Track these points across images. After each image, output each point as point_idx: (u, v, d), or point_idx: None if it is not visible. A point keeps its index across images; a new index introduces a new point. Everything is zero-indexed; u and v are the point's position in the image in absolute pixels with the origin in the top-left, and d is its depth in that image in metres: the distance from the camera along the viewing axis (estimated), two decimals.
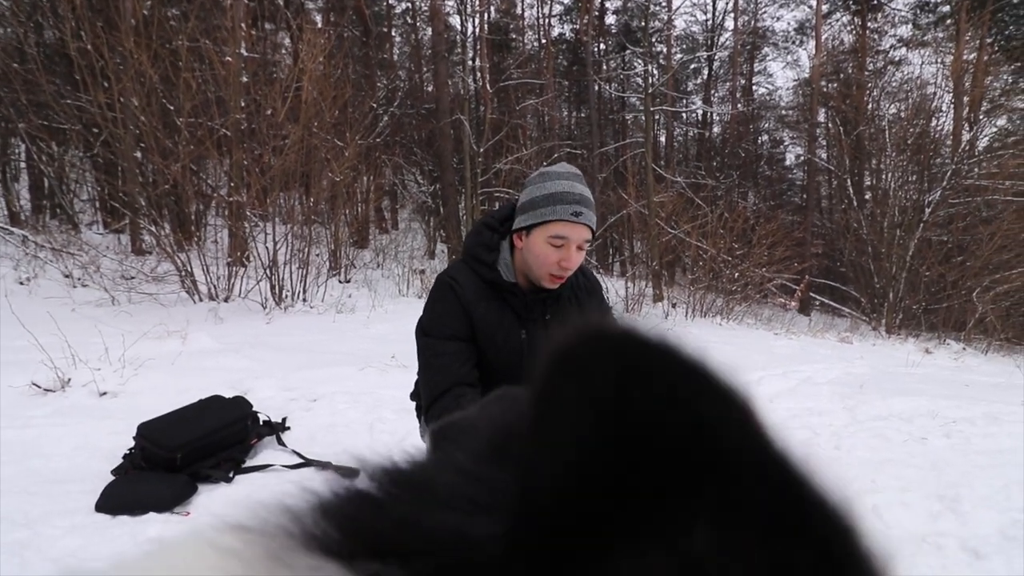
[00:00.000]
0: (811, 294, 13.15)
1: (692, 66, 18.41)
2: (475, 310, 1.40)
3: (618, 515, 0.15)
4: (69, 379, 2.72)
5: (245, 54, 6.93)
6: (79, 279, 5.97)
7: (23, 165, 10.44)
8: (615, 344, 0.18)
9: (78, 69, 5.86)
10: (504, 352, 1.43)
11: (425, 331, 1.42)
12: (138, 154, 6.22)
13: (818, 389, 4.21)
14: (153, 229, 5.94)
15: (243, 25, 6.96)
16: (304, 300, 6.07)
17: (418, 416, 1.66)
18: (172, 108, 5.89)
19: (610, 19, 18.11)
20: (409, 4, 17.18)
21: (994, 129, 12.99)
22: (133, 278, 6.09)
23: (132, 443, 2.07)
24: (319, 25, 11.47)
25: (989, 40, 14.25)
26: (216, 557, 0.18)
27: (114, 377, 2.79)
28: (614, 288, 9.02)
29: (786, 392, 4.03)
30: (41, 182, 10.09)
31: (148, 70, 5.42)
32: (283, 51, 12.61)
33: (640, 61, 14.42)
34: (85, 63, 5.72)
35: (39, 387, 2.67)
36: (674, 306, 9.24)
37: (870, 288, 11.25)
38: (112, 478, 1.95)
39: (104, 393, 2.69)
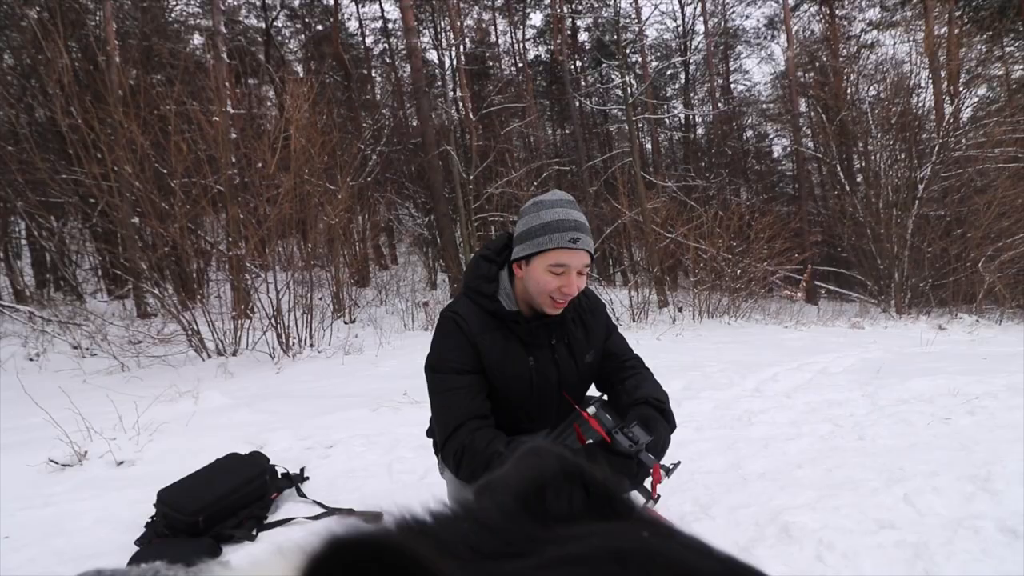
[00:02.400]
0: (816, 283, 13.09)
1: (669, 72, 18.71)
2: (481, 342, 1.41)
3: None
4: (86, 452, 2.71)
5: (232, 111, 7.09)
6: (87, 349, 6.01)
7: (24, 242, 10.62)
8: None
9: (70, 144, 6.00)
10: (514, 381, 1.44)
11: (434, 368, 1.43)
12: (136, 220, 6.31)
13: (835, 379, 4.17)
14: (156, 292, 5.99)
15: (227, 84, 7.14)
16: (311, 345, 6.08)
17: (435, 453, 1.65)
18: (165, 171, 6.00)
19: (583, 36, 18.52)
20: (386, 45, 17.61)
21: (976, 99, 13.10)
22: (141, 342, 6.12)
23: (153, 511, 2.06)
24: (300, 75, 11.74)
25: (958, 13, 14.47)
26: None
27: (130, 445, 2.79)
28: (618, 299, 9.01)
29: (803, 385, 3.99)
30: (43, 257, 10.24)
31: (138, 138, 5.54)
32: (269, 103, 12.89)
33: (617, 73, 14.67)
34: (77, 137, 5.85)
35: (56, 463, 2.66)
36: (680, 310, 9.21)
37: (874, 270, 11.20)
38: (136, 548, 1.94)
39: (121, 462, 2.68)
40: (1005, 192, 9.53)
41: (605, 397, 1.61)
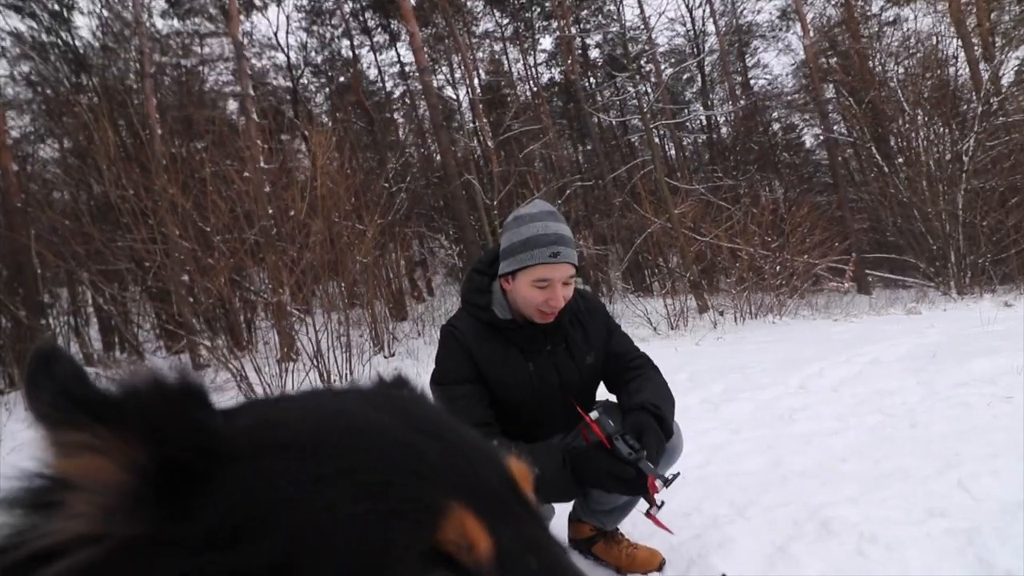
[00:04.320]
0: (867, 271, 12.46)
1: (685, 76, 18.59)
2: (478, 352, 1.44)
3: None
4: None
5: (265, 166, 7.52)
6: (202, 389, 6.33)
7: (91, 310, 11.45)
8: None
9: (121, 213, 6.48)
10: (514, 388, 1.45)
11: (437, 381, 1.47)
12: (185, 277, 6.73)
13: (887, 368, 3.95)
14: (207, 343, 6.32)
15: (258, 142, 7.60)
16: (352, 382, 6.24)
17: None
18: (208, 229, 6.40)
19: (594, 52, 18.71)
20: (405, 87, 18.30)
21: (1016, 61, 12.38)
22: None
23: None
24: (327, 125, 12.33)
25: None
26: None
27: None
28: (655, 308, 8.85)
29: (851, 377, 3.79)
30: (108, 322, 10.98)
31: (180, 200, 5.93)
32: (300, 155, 13.57)
33: (631, 85, 14.72)
34: (127, 207, 6.33)
35: None
36: (721, 313, 8.94)
37: (927, 251, 10.60)
38: None
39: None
40: None
41: (613, 399, 1.60)
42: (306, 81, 17.30)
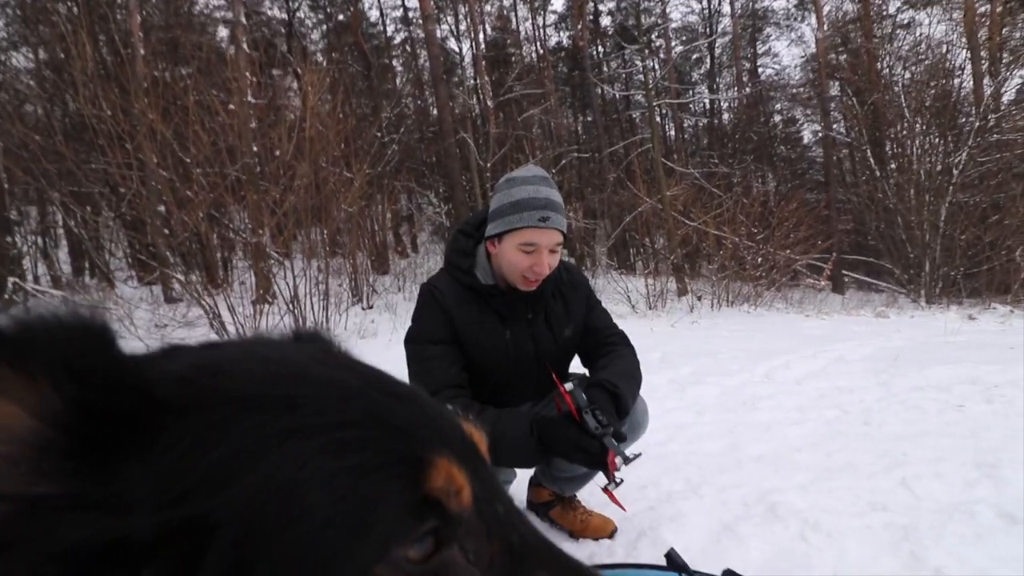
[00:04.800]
0: (843, 271, 12.71)
1: (694, 56, 18.26)
2: (457, 314, 1.42)
3: None
4: None
5: (252, 101, 7.22)
6: (116, 332, 6.23)
7: (61, 231, 11.07)
8: None
9: (97, 134, 6.19)
10: (491, 353, 1.45)
11: (412, 338, 1.46)
12: (161, 208, 6.51)
13: (850, 367, 4.07)
14: (181, 277, 6.18)
15: (247, 74, 7.26)
16: (327, 329, 6.20)
17: None
18: (187, 160, 6.16)
19: (605, 21, 18.20)
20: (407, 33, 17.63)
21: (1019, 80, 12.43)
22: (166, 326, 6.33)
23: None
24: (322, 64, 11.86)
25: None
26: None
27: None
28: (636, 287, 8.93)
29: (816, 372, 3.90)
30: (79, 245, 10.65)
31: (159, 127, 5.69)
32: (291, 93, 13.08)
33: (639, 58, 14.41)
34: (103, 128, 6.04)
35: None
36: (699, 298, 9.07)
37: (904, 259, 10.82)
38: None
39: None
40: None
41: (587, 374, 1.61)
42: (303, 15, 16.54)
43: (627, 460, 1.24)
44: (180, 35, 9.96)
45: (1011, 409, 2.76)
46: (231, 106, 6.09)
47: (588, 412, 1.26)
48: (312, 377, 0.30)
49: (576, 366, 1.67)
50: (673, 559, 1.28)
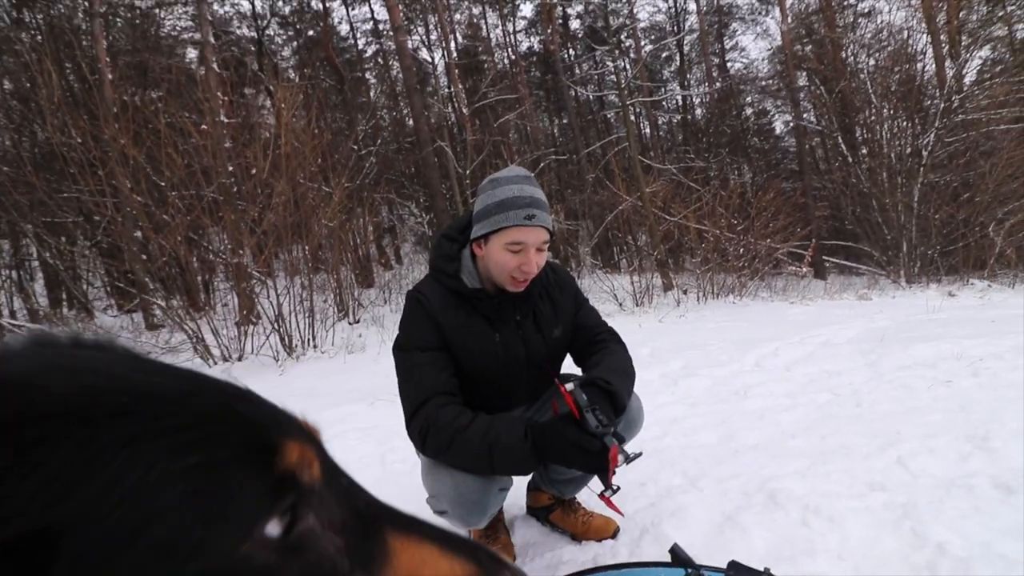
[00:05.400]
0: (824, 257, 12.92)
1: (664, 54, 18.50)
2: (444, 319, 1.40)
3: None
4: None
5: (226, 120, 7.13)
6: None
7: (36, 264, 10.80)
8: None
9: (67, 162, 6.07)
10: (480, 358, 1.43)
11: (400, 346, 1.43)
12: (138, 233, 6.39)
13: (837, 350, 4.12)
14: (162, 303, 6.06)
15: (219, 94, 7.18)
16: (315, 347, 6.13)
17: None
18: (163, 184, 6.06)
19: (575, 24, 18.36)
20: (379, 45, 17.61)
21: (979, 61, 12.80)
22: (149, 354, 6.18)
23: None
24: (294, 80, 11.78)
25: None
26: None
27: None
28: (622, 284, 8.97)
29: (804, 358, 3.94)
30: (55, 276, 10.40)
31: (132, 151, 5.60)
32: (264, 111, 12.96)
33: (610, 59, 14.54)
34: (73, 156, 5.93)
35: None
36: (685, 292, 9.14)
37: (882, 241, 11.03)
38: None
39: None
40: (1011, 153, 9.33)
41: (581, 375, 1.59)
42: (272, 33, 16.42)
43: (628, 459, 1.23)
44: (148, 58, 9.83)
45: (996, 381, 2.81)
46: (204, 127, 6.01)
47: (589, 411, 1.23)
48: (135, 383, 0.29)
49: (568, 366, 1.66)
50: (678, 554, 1.26)
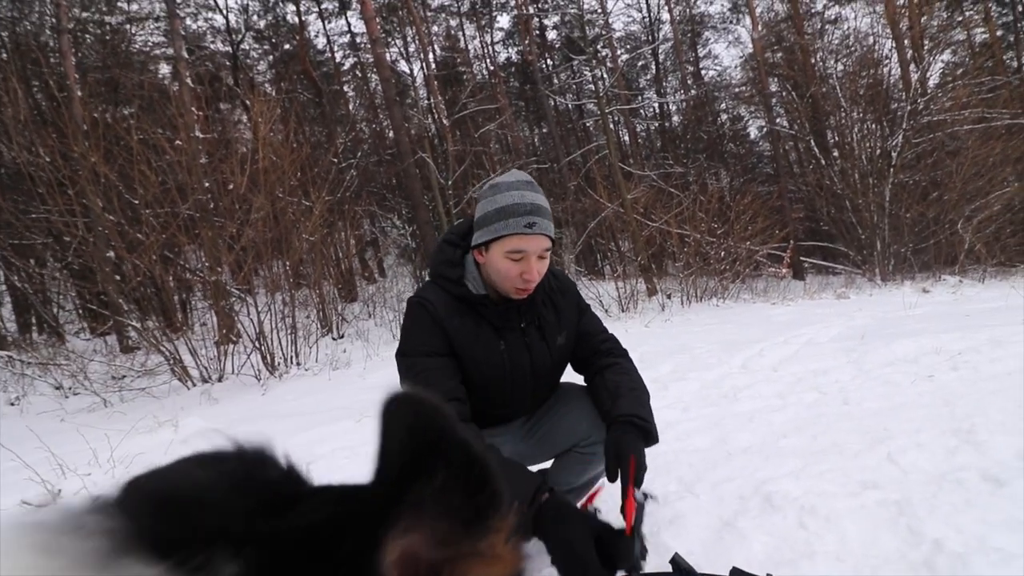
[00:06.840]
0: (801, 258, 13.16)
1: (640, 63, 18.79)
2: (450, 326, 1.36)
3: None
4: (60, 490, 2.64)
5: (200, 136, 7.01)
6: (70, 388, 5.90)
7: (3, 287, 10.45)
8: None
9: (35, 182, 5.90)
10: (485, 365, 1.39)
11: (404, 353, 1.38)
12: (110, 253, 6.22)
13: (820, 348, 4.17)
14: (137, 324, 5.90)
15: (193, 109, 7.06)
16: (298, 364, 6.01)
17: None
18: (136, 202, 5.92)
19: (552, 34, 18.58)
20: (356, 58, 17.57)
21: (942, 64, 13.26)
22: (124, 377, 6.01)
23: None
24: (271, 94, 11.67)
25: None
26: (33, 557, 0.24)
27: (105, 479, 2.72)
28: (606, 291, 9.00)
29: (789, 357, 3.98)
30: (24, 300, 10.07)
31: (103, 169, 5.46)
32: (241, 126, 12.81)
33: (588, 68, 14.73)
34: (42, 175, 5.76)
35: (30, 504, 2.59)
36: (669, 297, 9.21)
37: (856, 241, 11.29)
38: None
39: (98, 497, 2.61)
40: (976, 152, 9.65)
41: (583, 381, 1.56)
42: (247, 47, 16.27)
43: (642, 507, 1.18)
44: (119, 74, 9.65)
45: (976, 375, 2.86)
46: (178, 142, 5.89)
47: (639, 537, 1.13)
48: None
49: (568, 374, 1.63)
50: (679, 564, 1.24)
